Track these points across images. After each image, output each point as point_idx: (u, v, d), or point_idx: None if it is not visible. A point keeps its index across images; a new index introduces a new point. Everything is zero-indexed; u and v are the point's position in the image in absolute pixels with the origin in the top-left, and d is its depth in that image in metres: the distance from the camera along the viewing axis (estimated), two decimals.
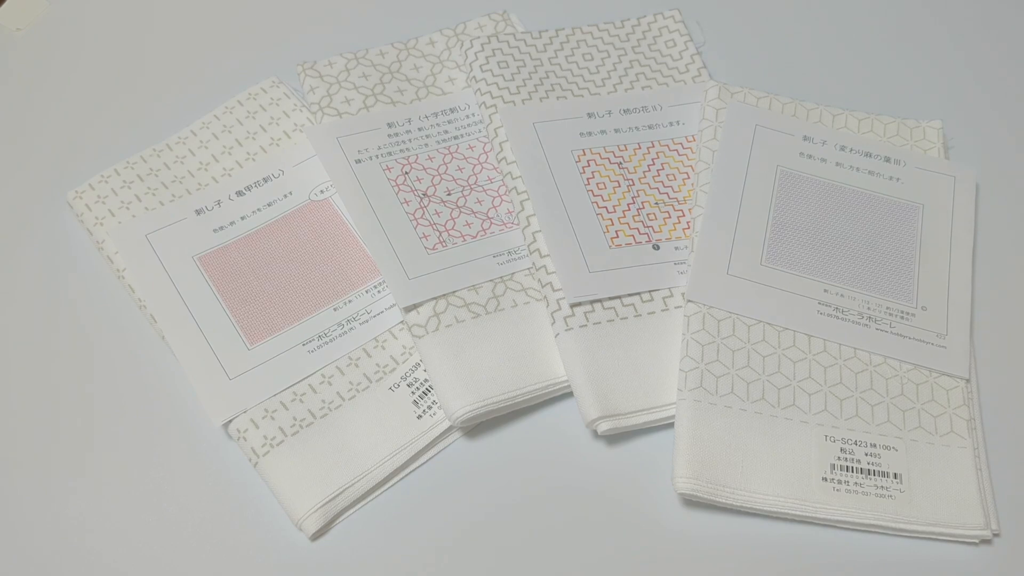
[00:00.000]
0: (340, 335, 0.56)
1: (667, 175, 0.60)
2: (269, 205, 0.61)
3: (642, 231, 0.57)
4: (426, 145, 0.61)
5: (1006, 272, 0.59)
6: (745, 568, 0.49)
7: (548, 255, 0.55)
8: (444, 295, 0.55)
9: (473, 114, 0.63)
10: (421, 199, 0.59)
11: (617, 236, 0.57)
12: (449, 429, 0.53)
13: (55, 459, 0.53)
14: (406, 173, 0.60)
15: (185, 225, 0.59)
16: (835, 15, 0.72)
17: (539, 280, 0.55)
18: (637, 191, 0.59)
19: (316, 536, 0.50)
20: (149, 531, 0.51)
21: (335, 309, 0.56)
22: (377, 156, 0.60)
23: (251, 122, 0.64)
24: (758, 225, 0.57)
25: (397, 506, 0.51)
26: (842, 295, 0.55)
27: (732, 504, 0.49)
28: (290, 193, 0.61)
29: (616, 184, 0.59)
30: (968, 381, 0.53)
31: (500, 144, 0.60)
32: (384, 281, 0.57)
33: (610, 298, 0.54)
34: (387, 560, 0.50)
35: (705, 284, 0.54)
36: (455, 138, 0.62)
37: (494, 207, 0.59)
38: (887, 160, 0.60)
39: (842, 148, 0.61)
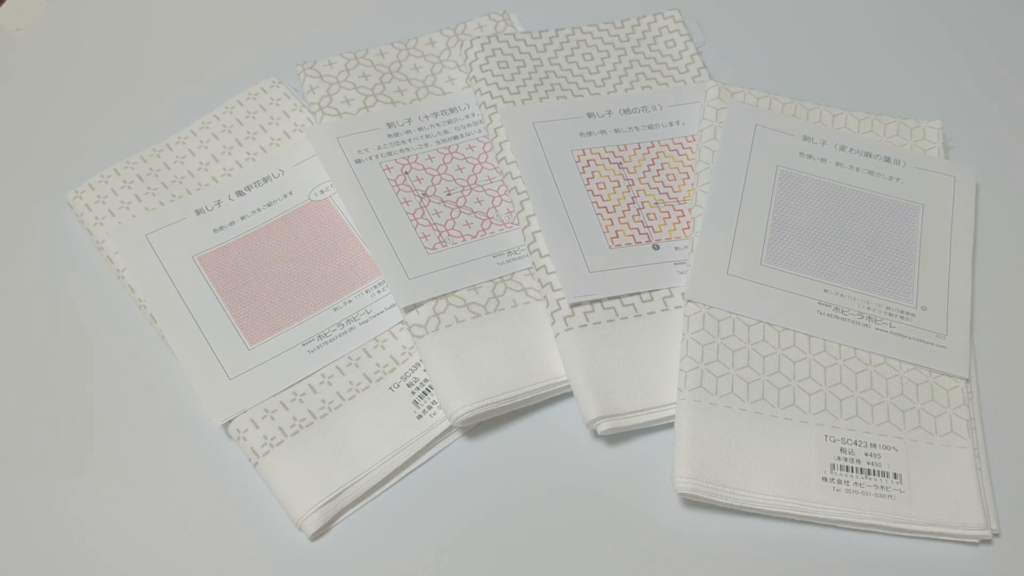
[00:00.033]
0: (340, 335, 0.56)
1: (667, 175, 0.60)
2: (269, 205, 0.61)
3: (642, 231, 0.57)
4: (426, 145, 0.61)
5: (1006, 272, 0.59)
6: (745, 568, 0.49)
7: (548, 255, 0.55)
8: (444, 295, 0.55)
9: (473, 114, 0.63)
10: (421, 199, 0.59)
11: (617, 236, 0.57)
12: (449, 429, 0.53)
13: (55, 459, 0.53)
14: (406, 173, 0.60)
15: (185, 225, 0.59)
16: (835, 15, 0.72)
17: (539, 280, 0.55)
18: (637, 191, 0.59)
19: (316, 536, 0.50)
20: (149, 531, 0.51)
21: (335, 309, 0.56)
22: (377, 156, 0.60)
23: (251, 122, 0.64)
24: (758, 225, 0.57)
25: (397, 506, 0.51)
26: (842, 295, 0.55)
27: (732, 504, 0.49)
28: (290, 193, 0.61)
29: (616, 184, 0.59)
30: (968, 381, 0.53)
31: (500, 144, 0.60)
32: (384, 281, 0.57)
33: (610, 298, 0.54)
34: (387, 560, 0.50)
35: (705, 284, 0.54)
36: (455, 138, 0.62)
37: (494, 207, 0.59)
38: (887, 160, 0.60)
39: (842, 148, 0.61)
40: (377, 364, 0.55)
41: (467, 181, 0.60)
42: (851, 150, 0.61)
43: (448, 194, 0.59)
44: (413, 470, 0.52)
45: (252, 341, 0.55)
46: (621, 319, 0.54)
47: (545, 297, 0.55)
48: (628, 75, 0.65)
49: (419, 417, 0.53)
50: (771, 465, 0.50)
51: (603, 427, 0.51)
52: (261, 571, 0.50)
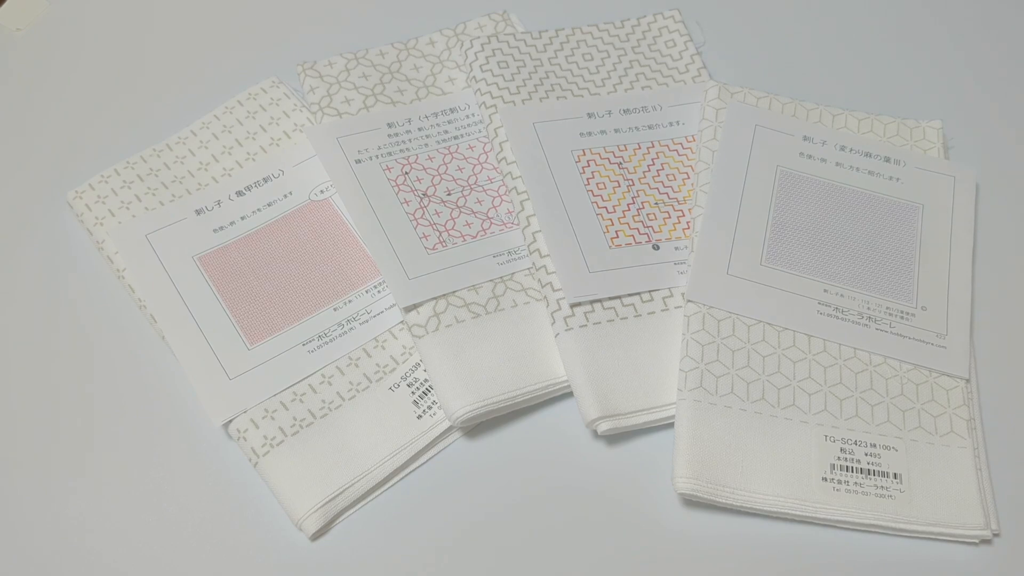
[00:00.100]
0: (340, 335, 0.56)
1: (667, 175, 0.60)
2: (269, 205, 0.61)
3: (642, 231, 0.57)
4: (426, 145, 0.61)
5: (1006, 272, 0.59)
6: (745, 568, 0.49)
7: (548, 255, 0.55)
8: (444, 295, 0.55)
9: (473, 114, 0.63)
10: (421, 199, 0.59)
11: (617, 236, 0.57)
12: (449, 429, 0.53)
13: (55, 459, 0.53)
14: (406, 173, 0.60)
15: (185, 225, 0.59)
16: (835, 15, 0.72)
17: (539, 280, 0.55)
18: (637, 191, 0.59)
19: (316, 536, 0.50)
20: (149, 531, 0.51)
21: (335, 309, 0.56)
22: (377, 156, 0.60)
23: (251, 122, 0.64)
24: (758, 225, 0.57)
25: (397, 506, 0.51)
26: (842, 295, 0.55)
27: (732, 504, 0.49)
28: (290, 193, 0.61)
29: (616, 184, 0.59)
30: (968, 381, 0.53)
31: (500, 144, 0.60)
32: (384, 281, 0.57)
33: (610, 298, 0.54)
34: (387, 560, 0.50)
35: (705, 284, 0.54)
36: (455, 138, 0.62)
37: (494, 207, 0.59)
38: (887, 160, 0.60)
39: (842, 148, 0.61)
40: (377, 364, 0.55)
41: (467, 181, 0.60)
42: (851, 150, 0.61)
43: (448, 194, 0.59)
44: (413, 470, 0.52)
45: (252, 341, 0.55)
46: (621, 319, 0.54)
47: (545, 297, 0.55)
48: (628, 75, 0.65)
49: (419, 417, 0.53)
50: (771, 465, 0.50)
51: (603, 427, 0.51)
52: (261, 571, 0.50)
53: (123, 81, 0.69)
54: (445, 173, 0.60)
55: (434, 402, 0.53)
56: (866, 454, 0.50)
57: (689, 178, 0.60)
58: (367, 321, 0.56)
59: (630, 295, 0.55)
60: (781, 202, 0.58)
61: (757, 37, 0.70)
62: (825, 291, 0.55)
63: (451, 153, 0.61)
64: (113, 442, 0.53)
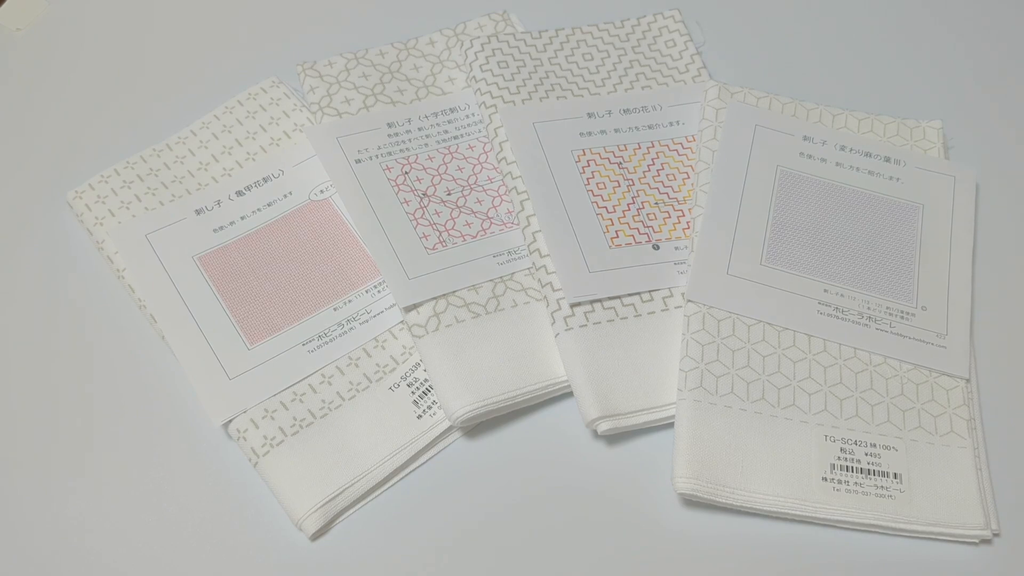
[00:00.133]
0: (340, 335, 0.56)
1: (667, 175, 0.60)
2: (269, 205, 0.61)
3: (642, 231, 0.57)
4: (426, 145, 0.61)
5: (1006, 272, 0.59)
6: (745, 568, 0.49)
7: (548, 255, 0.55)
8: (444, 295, 0.55)
9: (473, 114, 0.63)
10: (421, 199, 0.59)
11: (617, 236, 0.57)
12: (449, 429, 0.53)
13: (55, 459, 0.53)
14: (406, 173, 0.60)
15: (185, 225, 0.59)
16: (835, 15, 0.72)
17: (539, 280, 0.55)
18: (637, 191, 0.59)
19: (316, 536, 0.50)
20: (149, 531, 0.51)
21: (335, 309, 0.56)
22: (377, 156, 0.60)
23: (251, 122, 0.64)
24: (758, 225, 0.57)
25: (397, 506, 0.51)
26: (842, 295, 0.55)
27: (732, 504, 0.49)
28: (290, 193, 0.61)
29: (616, 184, 0.59)
30: (968, 381, 0.53)
31: (500, 144, 0.60)
32: (384, 281, 0.57)
33: (610, 298, 0.54)
34: (387, 560, 0.50)
35: (705, 284, 0.54)
36: (455, 138, 0.62)
37: (494, 207, 0.59)
38: (887, 160, 0.60)
39: (842, 148, 0.61)
40: (377, 364, 0.55)
41: (467, 181, 0.60)
42: (851, 150, 0.61)
43: (448, 194, 0.59)
44: (413, 470, 0.52)
45: (252, 341, 0.55)
46: (621, 319, 0.54)
47: (545, 297, 0.55)
48: (628, 75, 0.65)
49: (419, 417, 0.53)
50: (771, 465, 0.50)
51: (603, 427, 0.51)
52: (261, 571, 0.50)
53: (123, 81, 0.69)
54: (445, 173, 0.60)
55: (434, 402, 0.53)
56: (866, 454, 0.50)
57: (689, 178, 0.60)
58: (367, 321, 0.56)
59: (630, 295, 0.55)
60: (781, 202, 0.58)
61: (757, 37, 0.70)
62: (825, 291, 0.55)
63: (451, 153, 0.61)
64: (113, 442, 0.53)
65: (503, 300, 0.55)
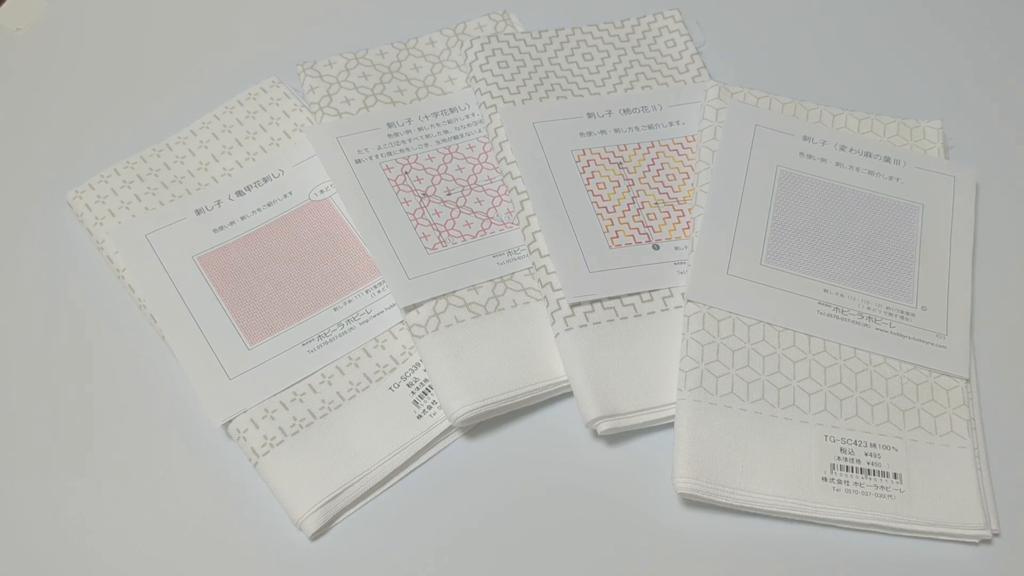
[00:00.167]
0: (340, 335, 0.56)
1: (667, 175, 0.60)
2: (269, 205, 0.61)
3: (642, 231, 0.57)
4: (426, 145, 0.61)
5: (1006, 272, 0.59)
6: (745, 568, 0.49)
7: (548, 255, 0.55)
8: (444, 295, 0.55)
9: (473, 114, 0.63)
10: (421, 199, 0.59)
11: (617, 236, 0.57)
12: (449, 429, 0.53)
13: (55, 459, 0.53)
14: (406, 173, 0.60)
15: (185, 225, 0.59)
16: (835, 15, 0.72)
17: (539, 280, 0.55)
18: (637, 191, 0.59)
19: (316, 536, 0.50)
20: (149, 531, 0.51)
21: (335, 309, 0.56)
22: (377, 156, 0.60)
23: (251, 122, 0.64)
24: (758, 225, 0.57)
25: (397, 506, 0.51)
26: (842, 295, 0.55)
27: (732, 504, 0.49)
28: (290, 193, 0.61)
29: (616, 184, 0.59)
30: (968, 381, 0.53)
31: (500, 144, 0.60)
32: (384, 281, 0.57)
33: (610, 298, 0.54)
34: (387, 560, 0.50)
35: (705, 284, 0.54)
36: (455, 138, 0.62)
37: (494, 207, 0.59)
38: (887, 160, 0.60)
39: (842, 148, 0.61)
40: (377, 364, 0.55)
41: (467, 181, 0.60)
42: (851, 150, 0.61)
43: (448, 194, 0.59)
44: (413, 470, 0.52)
45: (252, 341, 0.55)
46: (621, 319, 0.54)
47: (545, 297, 0.55)
48: (628, 75, 0.65)
49: (419, 417, 0.53)
50: (771, 465, 0.50)
51: (603, 427, 0.51)
52: (261, 571, 0.50)
53: (123, 81, 0.69)
54: (445, 173, 0.60)
55: (434, 402, 0.53)
56: (866, 454, 0.50)
57: (689, 178, 0.60)
58: (367, 321, 0.56)
59: (630, 295, 0.55)
60: (781, 202, 0.58)
61: (757, 37, 0.70)
62: (825, 291, 0.55)
63: (451, 153, 0.61)
64: (113, 442, 0.53)
65: (503, 300, 0.55)
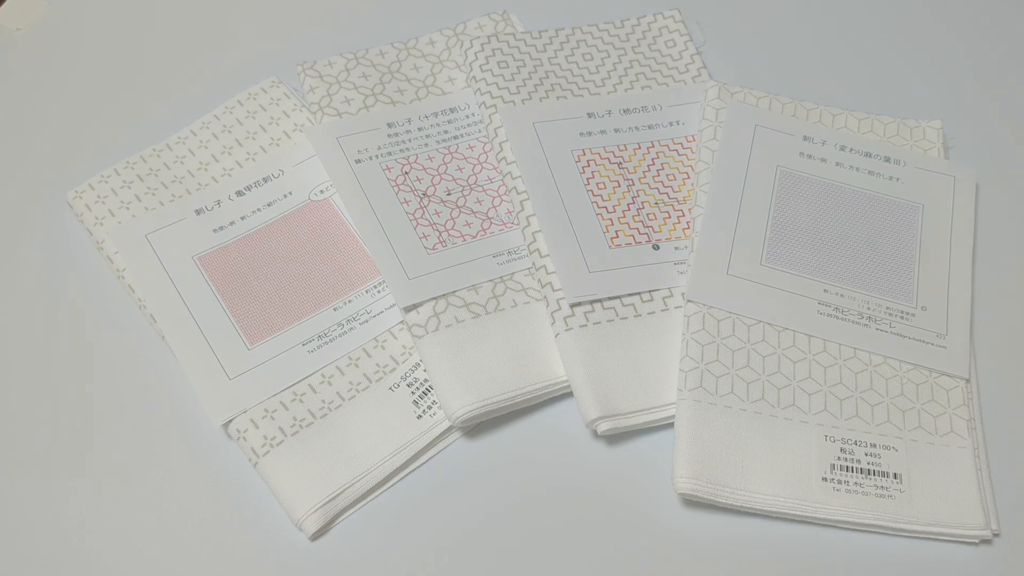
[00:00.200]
0: (340, 335, 0.56)
1: (667, 175, 0.60)
2: (269, 205, 0.61)
3: (642, 231, 0.57)
4: (426, 145, 0.61)
5: (1006, 272, 0.59)
6: (745, 568, 0.49)
7: (548, 255, 0.55)
8: (444, 295, 0.55)
9: (473, 114, 0.63)
10: (421, 199, 0.59)
11: (617, 236, 0.57)
12: (449, 429, 0.53)
13: (55, 459, 0.53)
14: (406, 173, 0.60)
15: (185, 225, 0.59)
16: (835, 15, 0.72)
17: (539, 280, 0.55)
18: (637, 191, 0.59)
19: (316, 536, 0.50)
20: (149, 531, 0.51)
21: (335, 309, 0.56)
22: (377, 156, 0.60)
23: (251, 122, 0.64)
24: (758, 225, 0.57)
25: (397, 506, 0.51)
26: (842, 295, 0.55)
27: (732, 504, 0.49)
28: (290, 193, 0.61)
29: (616, 184, 0.59)
30: (968, 381, 0.53)
31: (500, 144, 0.60)
32: (384, 281, 0.57)
33: (610, 298, 0.54)
34: (387, 560, 0.50)
35: (705, 284, 0.54)
36: (455, 138, 0.62)
37: (494, 207, 0.59)
38: (887, 160, 0.60)
39: (842, 148, 0.61)
40: (377, 364, 0.55)
41: (467, 181, 0.60)
42: (851, 150, 0.61)
43: (448, 194, 0.59)
44: (413, 470, 0.52)
45: (252, 341, 0.55)
46: (621, 319, 0.54)
47: (545, 297, 0.55)
48: (628, 75, 0.65)
49: (419, 417, 0.53)
50: (771, 465, 0.50)
51: (603, 427, 0.51)
52: (261, 571, 0.50)
53: (123, 81, 0.69)
54: (445, 173, 0.60)
55: (434, 402, 0.53)
56: (866, 454, 0.50)
57: (689, 178, 0.60)
58: (367, 321, 0.56)
59: (630, 295, 0.55)
60: (781, 202, 0.58)
61: (757, 37, 0.70)
62: (825, 291, 0.55)
63: (451, 153, 0.61)
64: (113, 442, 0.53)
65: (503, 300, 0.55)
